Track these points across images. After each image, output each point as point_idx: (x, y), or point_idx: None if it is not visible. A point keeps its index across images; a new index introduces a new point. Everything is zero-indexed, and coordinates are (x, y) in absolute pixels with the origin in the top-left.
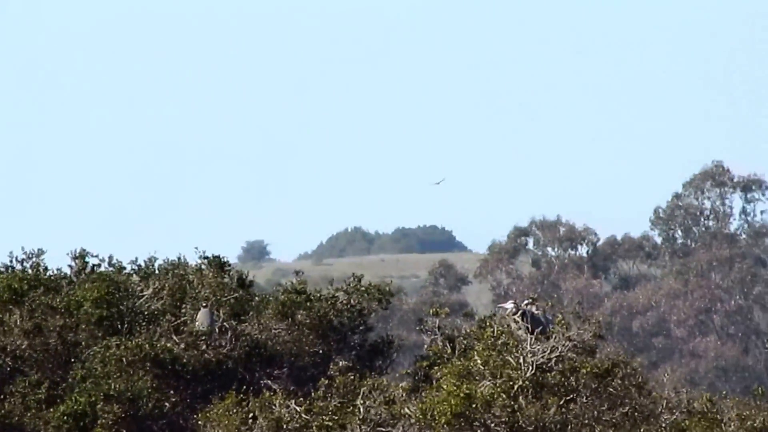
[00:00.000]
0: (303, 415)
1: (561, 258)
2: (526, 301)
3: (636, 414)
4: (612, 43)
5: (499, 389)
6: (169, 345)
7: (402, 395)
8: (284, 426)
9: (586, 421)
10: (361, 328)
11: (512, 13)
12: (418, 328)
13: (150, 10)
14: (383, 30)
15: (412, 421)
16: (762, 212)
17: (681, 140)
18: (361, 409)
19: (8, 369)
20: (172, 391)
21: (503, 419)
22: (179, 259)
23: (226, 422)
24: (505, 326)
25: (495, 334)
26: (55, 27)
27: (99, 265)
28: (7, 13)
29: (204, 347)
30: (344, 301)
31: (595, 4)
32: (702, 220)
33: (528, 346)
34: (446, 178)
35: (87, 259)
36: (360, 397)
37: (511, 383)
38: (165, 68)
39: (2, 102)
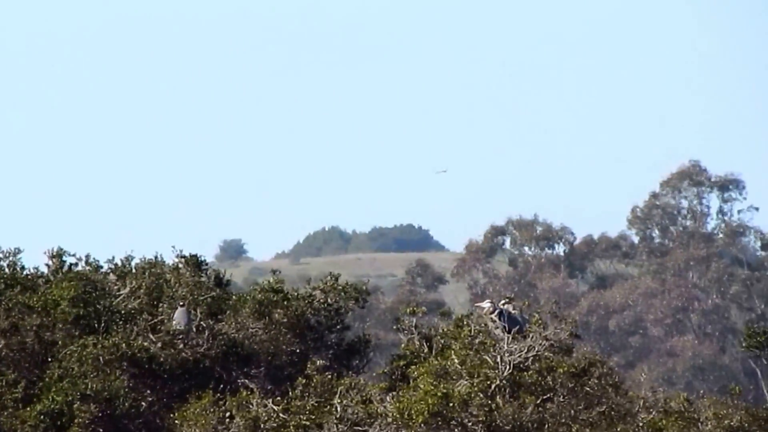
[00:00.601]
0: (280, 414)
1: (538, 257)
2: (503, 301)
3: (612, 413)
4: (589, 42)
5: (476, 388)
6: (145, 344)
7: (379, 395)
8: (261, 425)
9: (563, 420)
10: (338, 327)
11: (485, 12)
12: (395, 327)
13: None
14: (358, 29)
15: (389, 420)
16: (739, 212)
17: (658, 140)
18: (338, 408)
19: None
20: (148, 390)
21: (480, 418)
22: (156, 258)
23: (203, 421)
24: (482, 325)
25: (472, 334)
26: (32, 25)
27: (76, 264)
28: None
29: (181, 346)
30: (321, 300)
31: (569, 3)
32: (679, 219)
33: (505, 346)
34: (448, 168)
35: (64, 258)
36: (337, 396)
37: (488, 382)
38: (143, 68)
39: None
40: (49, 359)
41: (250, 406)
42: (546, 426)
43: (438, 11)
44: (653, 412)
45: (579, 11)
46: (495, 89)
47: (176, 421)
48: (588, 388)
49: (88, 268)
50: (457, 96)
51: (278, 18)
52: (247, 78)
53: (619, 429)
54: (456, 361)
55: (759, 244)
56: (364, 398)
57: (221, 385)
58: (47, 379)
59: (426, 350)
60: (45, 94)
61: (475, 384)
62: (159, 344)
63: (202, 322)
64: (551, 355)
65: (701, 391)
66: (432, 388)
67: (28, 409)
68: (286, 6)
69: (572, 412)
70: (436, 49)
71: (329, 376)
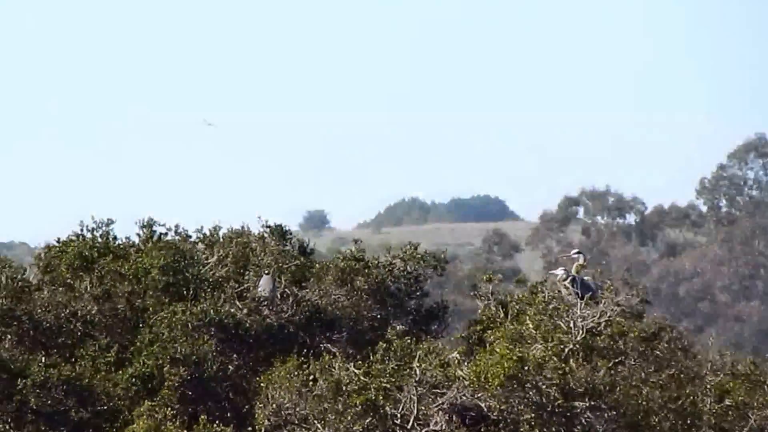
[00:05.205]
0: (362, 377)
1: (610, 226)
2: (573, 251)
3: (681, 375)
4: (653, 14)
5: (550, 352)
6: (232, 310)
7: (456, 358)
8: (343, 388)
9: (634, 383)
10: (417, 293)
11: None
12: (472, 293)
13: None
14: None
15: (466, 383)
16: None
17: (725, 113)
18: (417, 372)
19: (79, 333)
20: (235, 355)
21: (554, 381)
22: (243, 227)
23: (288, 384)
24: (556, 292)
25: (546, 299)
26: None
27: (166, 234)
28: None
29: (266, 312)
30: (401, 268)
31: None
32: (745, 189)
33: (578, 311)
34: (214, 123)
35: (154, 228)
36: (416, 359)
37: (561, 346)
38: (223, 34)
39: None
40: (140, 325)
41: (333, 370)
42: (618, 388)
43: None
44: (721, 375)
45: None
46: (567, 62)
47: (262, 384)
48: (658, 352)
49: (177, 237)
50: (531, 69)
51: None
52: (330, 51)
53: (687, 391)
54: (531, 326)
55: None
56: (443, 362)
57: (305, 350)
58: (138, 344)
59: (502, 316)
60: (121, 61)
61: (549, 348)
62: (245, 310)
63: (286, 289)
64: (623, 320)
65: (767, 355)
66: (508, 352)
67: (121, 372)
68: None
69: (643, 374)
70: (506, 21)
71: (409, 341)
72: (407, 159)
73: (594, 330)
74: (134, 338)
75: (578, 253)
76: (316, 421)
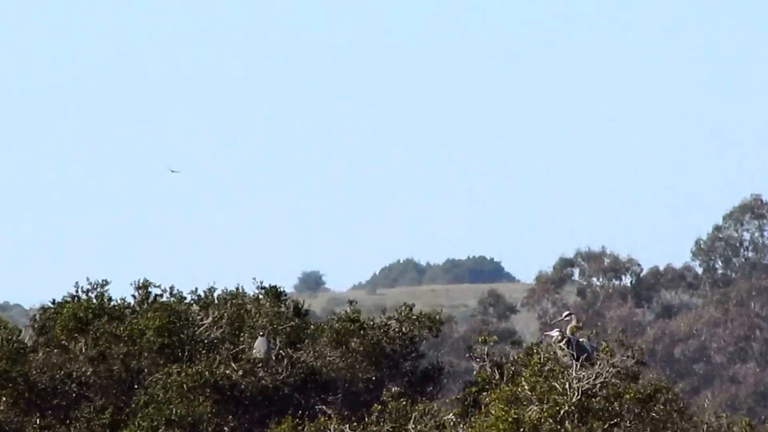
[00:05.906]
0: None
1: (605, 288)
2: (565, 313)
3: None
4: (652, 76)
5: (546, 414)
6: (227, 372)
7: (452, 420)
8: None
9: None
10: (412, 355)
11: (554, 32)
12: (467, 355)
13: None
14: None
15: None
16: None
17: (720, 174)
18: None
19: (74, 395)
20: (230, 416)
21: None
22: (238, 289)
23: None
24: (552, 353)
25: (542, 361)
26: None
27: (161, 295)
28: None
29: (261, 374)
30: (396, 329)
31: (636, 39)
32: (741, 251)
33: (574, 373)
34: (178, 170)
35: (149, 289)
36: (411, 421)
37: (557, 408)
38: (225, 100)
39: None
40: (136, 386)
41: (328, 431)
42: None
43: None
44: None
45: (643, 42)
46: (562, 121)
47: None
48: (654, 414)
49: (172, 299)
50: (525, 129)
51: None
52: (326, 113)
53: None
54: (526, 387)
55: None
56: (438, 424)
57: (300, 411)
58: (134, 405)
59: (497, 377)
60: (127, 129)
61: (544, 410)
62: (240, 372)
63: (281, 351)
64: (618, 381)
65: (763, 417)
66: (503, 413)
67: None
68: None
69: None
70: (506, 86)
71: (404, 402)
72: (402, 220)
73: (590, 391)
74: (129, 400)
75: (570, 314)
76: None
